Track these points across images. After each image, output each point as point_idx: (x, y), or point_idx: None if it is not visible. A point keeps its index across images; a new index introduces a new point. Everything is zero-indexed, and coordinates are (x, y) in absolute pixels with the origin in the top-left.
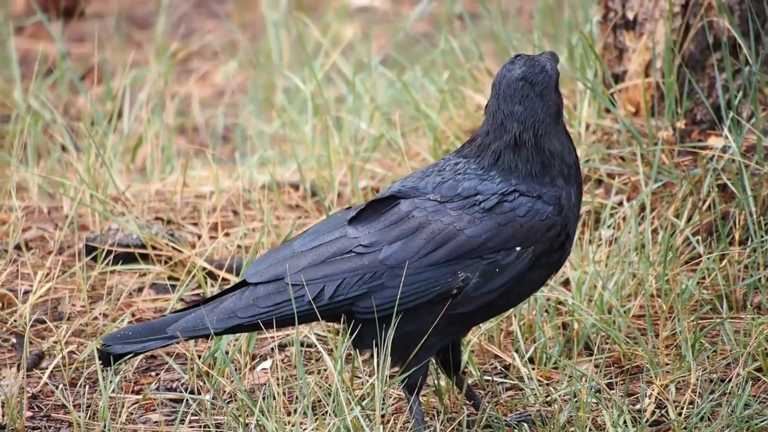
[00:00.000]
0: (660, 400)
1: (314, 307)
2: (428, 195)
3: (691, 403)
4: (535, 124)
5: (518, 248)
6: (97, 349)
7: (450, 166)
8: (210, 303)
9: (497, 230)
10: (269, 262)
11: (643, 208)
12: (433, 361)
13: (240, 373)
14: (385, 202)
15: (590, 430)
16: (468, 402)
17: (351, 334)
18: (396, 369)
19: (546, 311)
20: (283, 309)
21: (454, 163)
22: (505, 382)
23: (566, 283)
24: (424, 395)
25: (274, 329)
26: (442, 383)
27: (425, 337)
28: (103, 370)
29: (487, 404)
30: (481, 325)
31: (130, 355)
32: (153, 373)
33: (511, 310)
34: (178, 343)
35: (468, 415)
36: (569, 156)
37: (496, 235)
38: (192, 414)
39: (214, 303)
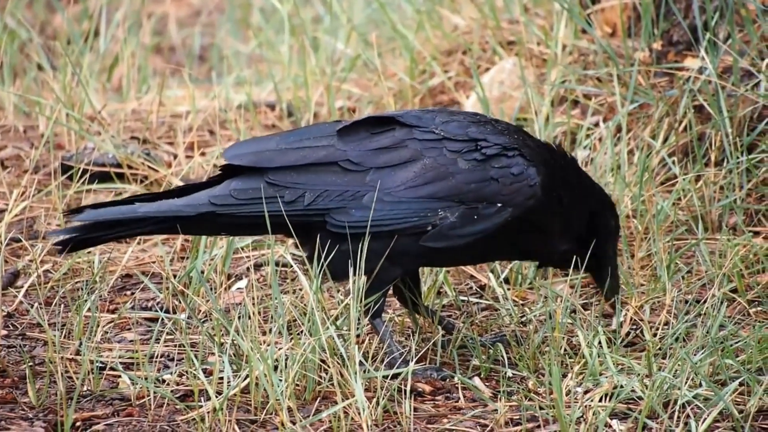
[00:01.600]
0: (635, 320)
1: (293, 210)
2: (429, 128)
3: (666, 323)
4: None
5: (499, 204)
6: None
7: (468, 115)
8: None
9: (487, 183)
10: (251, 149)
11: (619, 129)
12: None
13: (215, 293)
14: (380, 124)
15: (565, 350)
16: (440, 327)
17: (325, 257)
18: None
19: None
20: (257, 205)
21: (473, 113)
22: (480, 303)
23: None
24: (399, 315)
25: (239, 235)
26: (414, 313)
27: (386, 267)
28: (63, 254)
29: (461, 325)
30: None
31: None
32: (128, 293)
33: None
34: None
35: (442, 336)
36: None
37: (485, 187)
38: (167, 333)
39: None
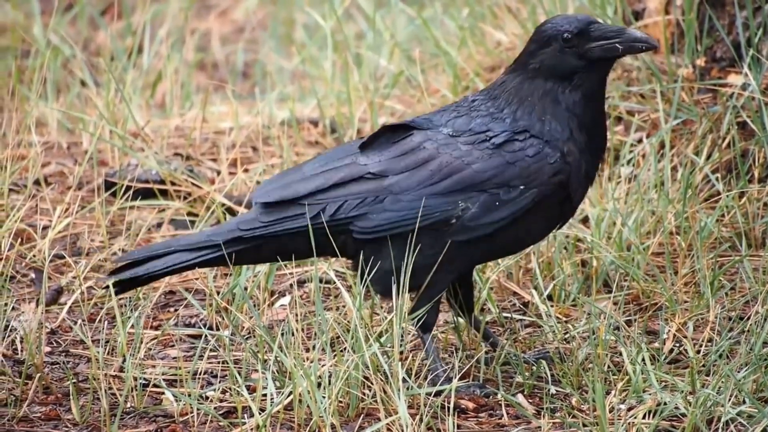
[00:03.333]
0: (678, 337)
1: (321, 222)
2: (441, 128)
3: (710, 340)
4: (559, 75)
5: (522, 187)
6: (112, 282)
7: (468, 103)
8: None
9: (504, 167)
10: (278, 185)
11: (662, 145)
12: (445, 300)
13: (259, 309)
14: (398, 132)
15: (608, 367)
16: (485, 342)
17: (367, 271)
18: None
19: (565, 248)
20: (283, 224)
21: (471, 100)
22: (524, 320)
23: (585, 221)
24: (443, 332)
25: (277, 259)
26: (461, 320)
27: (431, 273)
28: (119, 299)
29: (505, 342)
30: (499, 261)
31: (143, 277)
32: (171, 309)
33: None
34: (191, 266)
35: (486, 353)
36: (594, 129)
37: (502, 171)
38: (210, 350)
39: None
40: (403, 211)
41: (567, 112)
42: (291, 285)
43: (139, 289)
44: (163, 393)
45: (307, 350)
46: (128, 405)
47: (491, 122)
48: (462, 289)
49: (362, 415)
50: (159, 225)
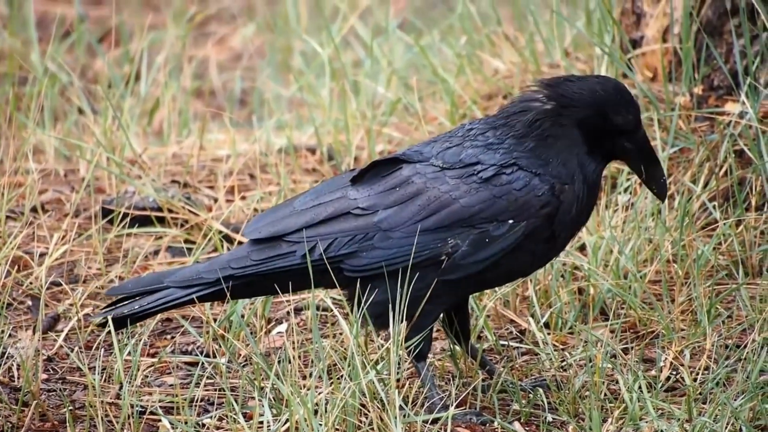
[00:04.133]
0: (675, 365)
1: (306, 261)
2: (431, 160)
3: (707, 368)
4: (594, 141)
5: (510, 221)
6: (110, 317)
7: (463, 131)
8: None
9: (491, 201)
10: (268, 220)
11: None
12: (441, 328)
13: (255, 337)
14: (388, 165)
15: (605, 395)
16: (482, 369)
17: (363, 301)
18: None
19: (562, 276)
20: (274, 263)
21: (468, 128)
22: (521, 347)
23: (582, 248)
24: (439, 359)
25: (264, 294)
26: (458, 348)
27: (422, 305)
28: (117, 333)
29: (502, 369)
30: (496, 289)
31: (138, 314)
32: (168, 336)
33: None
34: (184, 303)
35: (483, 380)
36: (589, 167)
37: (490, 206)
38: (207, 377)
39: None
40: (393, 249)
41: (577, 167)
42: (288, 312)
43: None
44: (159, 420)
45: (304, 378)
46: None
47: (483, 153)
48: (458, 317)
49: None
50: (156, 252)
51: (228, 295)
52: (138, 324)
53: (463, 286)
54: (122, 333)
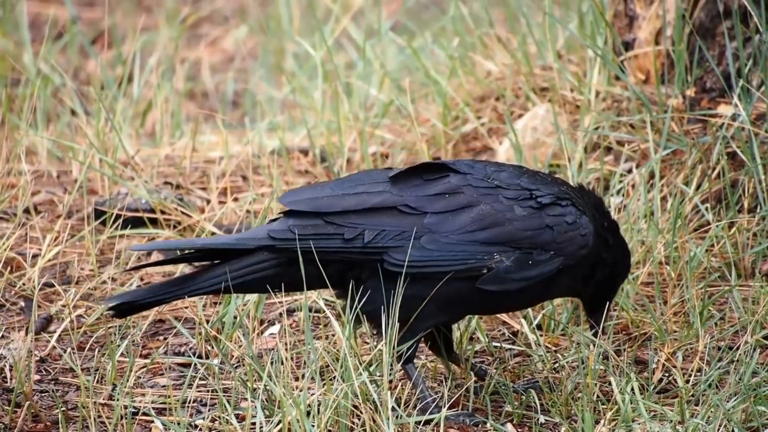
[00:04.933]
0: (668, 367)
1: (353, 247)
2: (482, 177)
3: (699, 370)
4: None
5: (552, 252)
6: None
7: (514, 167)
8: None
9: (542, 231)
10: (307, 195)
11: (652, 175)
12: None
13: (248, 338)
14: (433, 170)
15: (598, 396)
16: (473, 374)
17: (359, 299)
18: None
19: None
20: (317, 240)
21: (517, 165)
22: (513, 349)
23: None
24: (432, 361)
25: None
26: (440, 358)
27: (431, 312)
28: (108, 327)
29: (494, 371)
30: None
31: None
32: (161, 338)
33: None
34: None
35: (475, 382)
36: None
37: (540, 234)
38: (200, 378)
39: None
40: (440, 252)
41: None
42: (280, 314)
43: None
44: (152, 421)
45: (297, 379)
46: None
47: (539, 183)
48: (444, 328)
49: None
50: (149, 254)
51: (256, 284)
52: (131, 323)
53: (488, 301)
54: (117, 327)
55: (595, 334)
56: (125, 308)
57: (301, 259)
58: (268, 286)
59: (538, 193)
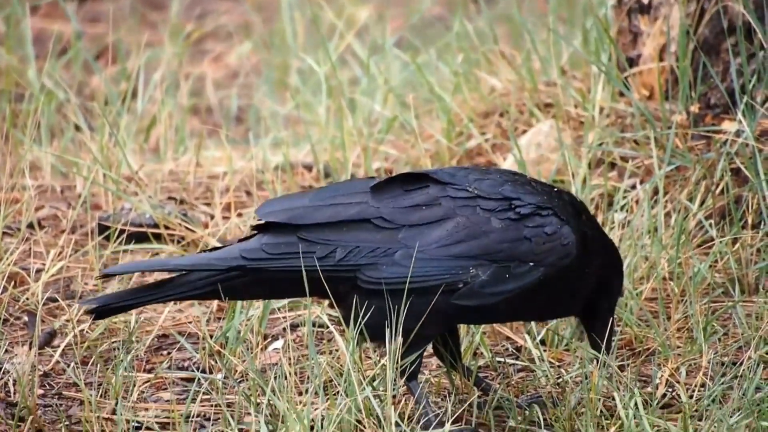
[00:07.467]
0: (671, 382)
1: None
2: (463, 185)
3: (703, 385)
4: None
5: (531, 263)
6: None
7: (502, 173)
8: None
9: (520, 242)
10: (283, 206)
11: (656, 191)
12: (433, 349)
13: (252, 353)
14: (413, 180)
15: (601, 412)
16: (477, 388)
17: (361, 316)
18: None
19: None
20: (289, 260)
21: (508, 171)
22: (517, 364)
23: None
24: (435, 376)
25: (273, 296)
26: (452, 369)
27: (421, 326)
28: (112, 341)
29: (498, 386)
30: None
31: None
32: (165, 352)
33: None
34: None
35: (479, 397)
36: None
37: (517, 246)
38: (203, 393)
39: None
40: (415, 268)
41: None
42: (284, 329)
43: (133, 328)
44: None
45: (300, 394)
46: None
47: (521, 191)
48: (450, 338)
49: None
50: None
51: (240, 292)
52: (134, 338)
53: (473, 313)
54: (120, 342)
55: (598, 351)
56: (104, 310)
57: (273, 277)
58: (251, 293)
59: (518, 203)
